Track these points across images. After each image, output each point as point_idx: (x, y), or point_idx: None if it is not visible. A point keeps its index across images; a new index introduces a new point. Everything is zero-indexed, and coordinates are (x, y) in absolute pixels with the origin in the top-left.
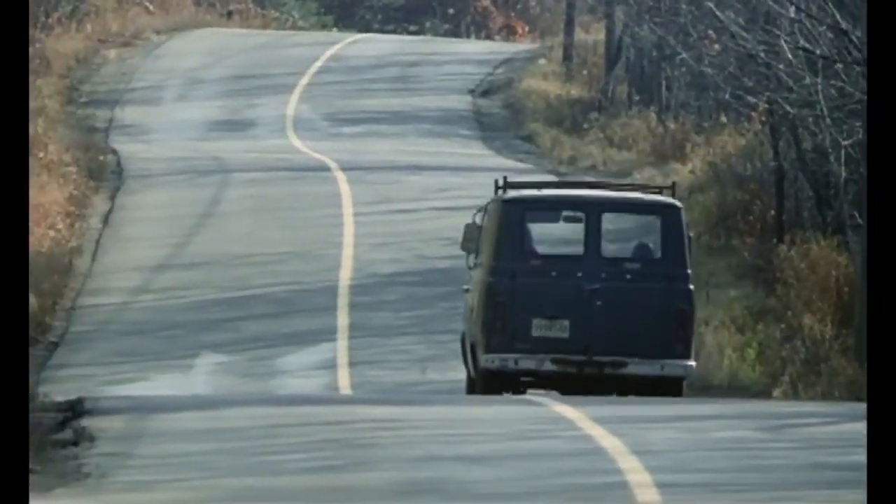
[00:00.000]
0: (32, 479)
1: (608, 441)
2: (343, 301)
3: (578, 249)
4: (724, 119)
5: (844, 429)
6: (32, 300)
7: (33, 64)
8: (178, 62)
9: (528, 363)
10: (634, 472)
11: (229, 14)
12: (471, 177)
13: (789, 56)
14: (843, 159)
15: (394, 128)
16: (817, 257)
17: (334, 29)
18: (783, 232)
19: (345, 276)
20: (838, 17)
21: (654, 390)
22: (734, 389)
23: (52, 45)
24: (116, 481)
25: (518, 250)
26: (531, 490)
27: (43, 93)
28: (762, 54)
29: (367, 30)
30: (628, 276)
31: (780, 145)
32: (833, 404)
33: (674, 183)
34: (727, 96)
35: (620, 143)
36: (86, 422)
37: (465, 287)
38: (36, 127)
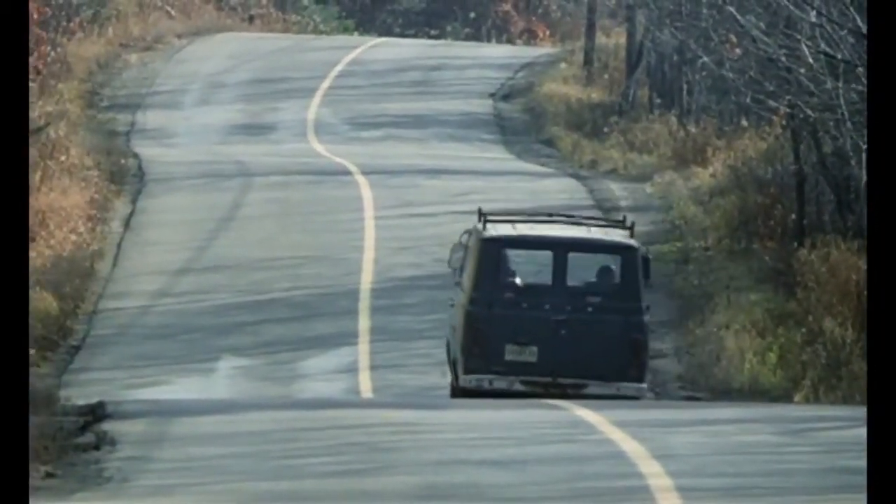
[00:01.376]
0: (53, 483)
1: (629, 445)
2: (364, 305)
3: (547, 284)
4: (745, 123)
5: (865, 433)
6: (54, 304)
7: (54, 68)
8: (200, 66)
9: (500, 384)
10: (655, 476)
11: (251, 18)
12: (491, 181)
13: (810, 60)
14: (864, 163)
15: (414, 132)
16: (838, 261)
17: (355, 33)
18: (804, 236)
19: (366, 280)
20: (859, 21)
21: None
22: (755, 393)
23: (74, 50)
24: (138, 485)
25: (494, 283)
26: (552, 494)
27: (64, 97)
28: (783, 58)
29: (388, 34)
30: (590, 309)
31: (801, 149)
32: (854, 408)
33: (633, 222)
34: (748, 100)
35: (641, 146)
36: (107, 426)
37: (451, 302)
38: (57, 131)
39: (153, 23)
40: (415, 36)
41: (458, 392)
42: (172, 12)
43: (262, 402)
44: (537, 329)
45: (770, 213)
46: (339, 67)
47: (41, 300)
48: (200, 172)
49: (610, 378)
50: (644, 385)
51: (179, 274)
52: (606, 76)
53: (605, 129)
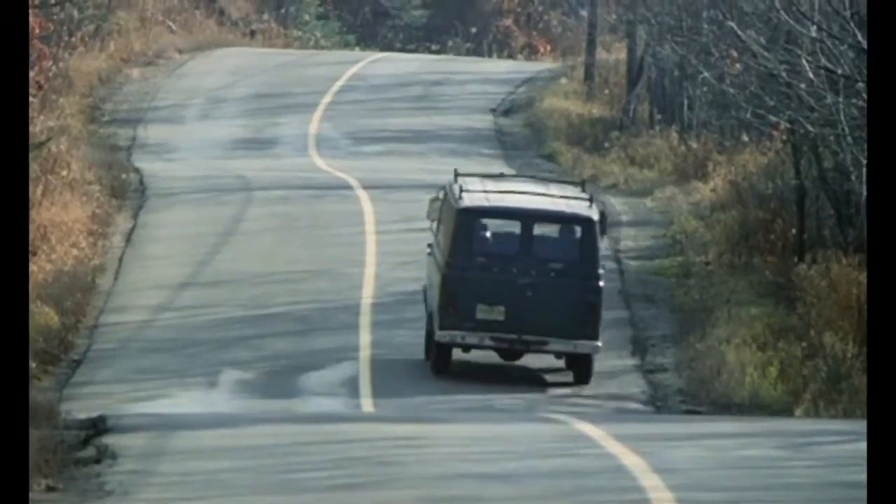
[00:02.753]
0: (55, 496)
1: (630, 459)
2: (365, 319)
3: (514, 250)
4: (745, 138)
5: (866, 447)
6: (55, 318)
7: (56, 83)
8: (201, 81)
9: (472, 339)
10: (656, 490)
11: (252, 33)
12: None
13: (811, 75)
14: (864, 178)
15: (416, 146)
16: (838, 275)
17: (356, 48)
18: (804, 250)
19: (367, 295)
20: (859, 36)
21: (568, 361)
22: (755, 407)
23: (76, 64)
24: (139, 499)
25: (468, 250)
26: None
27: (66, 111)
28: (784, 74)
29: (390, 49)
30: (552, 274)
31: (802, 164)
32: (854, 422)
33: (584, 181)
34: (749, 115)
35: (642, 161)
36: (108, 439)
37: (429, 250)
38: (59, 145)
39: (154, 38)
40: (416, 51)
41: (435, 346)
42: (174, 27)
43: (263, 416)
44: (505, 291)
45: (770, 228)
46: (340, 82)
47: (42, 314)
48: (202, 187)
49: (568, 336)
50: (598, 343)
51: (181, 288)
52: (607, 91)
53: (606, 144)
